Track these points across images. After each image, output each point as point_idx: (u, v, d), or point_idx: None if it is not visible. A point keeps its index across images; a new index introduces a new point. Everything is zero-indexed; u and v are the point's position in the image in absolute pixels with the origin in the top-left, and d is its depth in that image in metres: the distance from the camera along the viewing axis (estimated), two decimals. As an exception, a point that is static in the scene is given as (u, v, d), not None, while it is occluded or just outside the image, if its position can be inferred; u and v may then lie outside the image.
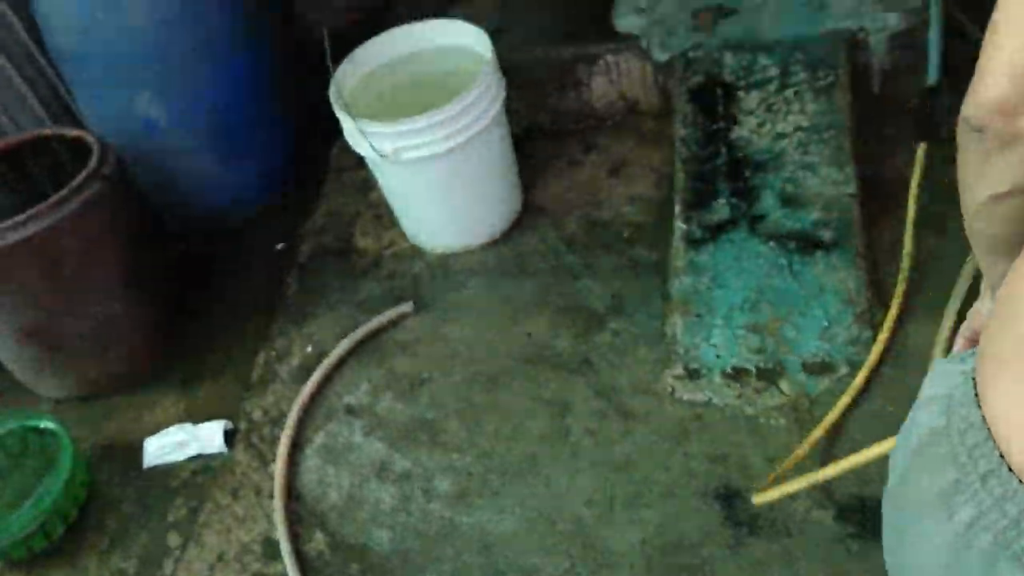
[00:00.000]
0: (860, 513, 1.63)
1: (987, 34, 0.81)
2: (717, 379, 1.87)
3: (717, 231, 2.04)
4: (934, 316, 1.84)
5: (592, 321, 2.08)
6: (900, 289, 1.90)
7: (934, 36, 2.14)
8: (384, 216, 2.42)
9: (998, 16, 0.80)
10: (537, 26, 2.54)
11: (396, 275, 2.31)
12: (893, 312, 1.86)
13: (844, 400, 1.75)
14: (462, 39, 2.20)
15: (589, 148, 2.45)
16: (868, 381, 1.79)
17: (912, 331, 1.86)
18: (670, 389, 1.90)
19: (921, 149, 2.08)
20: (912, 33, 2.19)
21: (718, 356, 1.89)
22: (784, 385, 1.84)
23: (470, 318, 2.16)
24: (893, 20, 2.19)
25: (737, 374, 1.87)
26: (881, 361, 1.82)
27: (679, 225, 2.07)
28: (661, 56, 2.34)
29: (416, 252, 2.34)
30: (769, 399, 1.83)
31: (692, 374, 1.89)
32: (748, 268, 1.97)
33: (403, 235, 2.38)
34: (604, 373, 1.97)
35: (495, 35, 2.17)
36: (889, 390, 1.78)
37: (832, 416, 1.74)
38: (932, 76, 2.18)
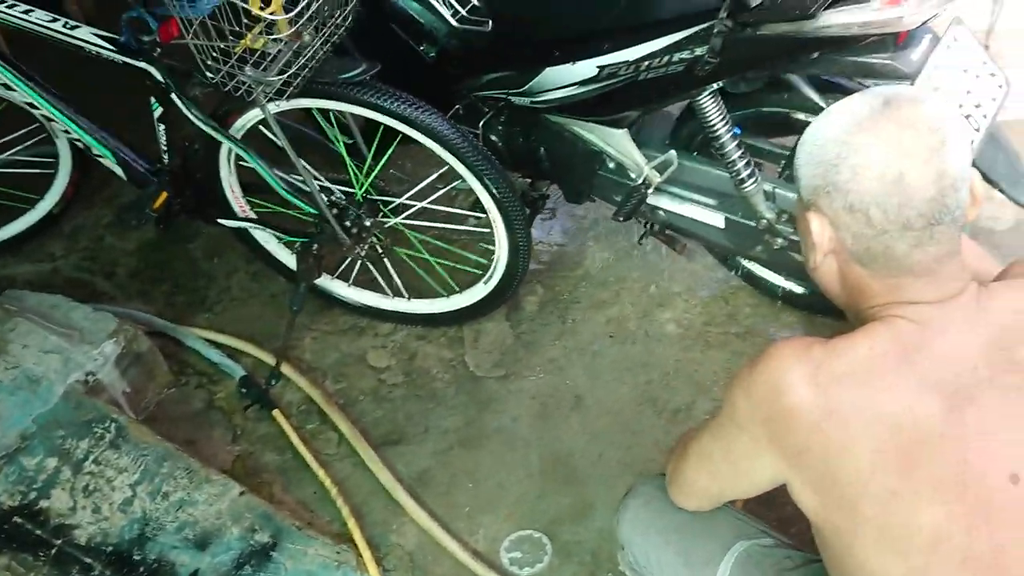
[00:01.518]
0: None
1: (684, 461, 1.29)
2: None
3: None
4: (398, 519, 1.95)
5: None
6: (351, 523, 1.93)
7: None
8: None
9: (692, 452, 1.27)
10: None
11: None
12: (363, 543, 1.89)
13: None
14: None
15: None
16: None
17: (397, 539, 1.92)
18: None
19: (277, 413, 2.14)
20: (131, 346, 2.13)
21: None
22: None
23: None
24: (109, 348, 2.09)
25: None
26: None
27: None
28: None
29: None
30: None
31: None
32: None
33: None
34: None
35: None
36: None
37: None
38: (236, 374, 2.24)
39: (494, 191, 1.96)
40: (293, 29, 1.67)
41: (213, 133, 1.97)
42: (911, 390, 1.02)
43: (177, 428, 2.15)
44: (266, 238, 2.31)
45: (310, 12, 1.63)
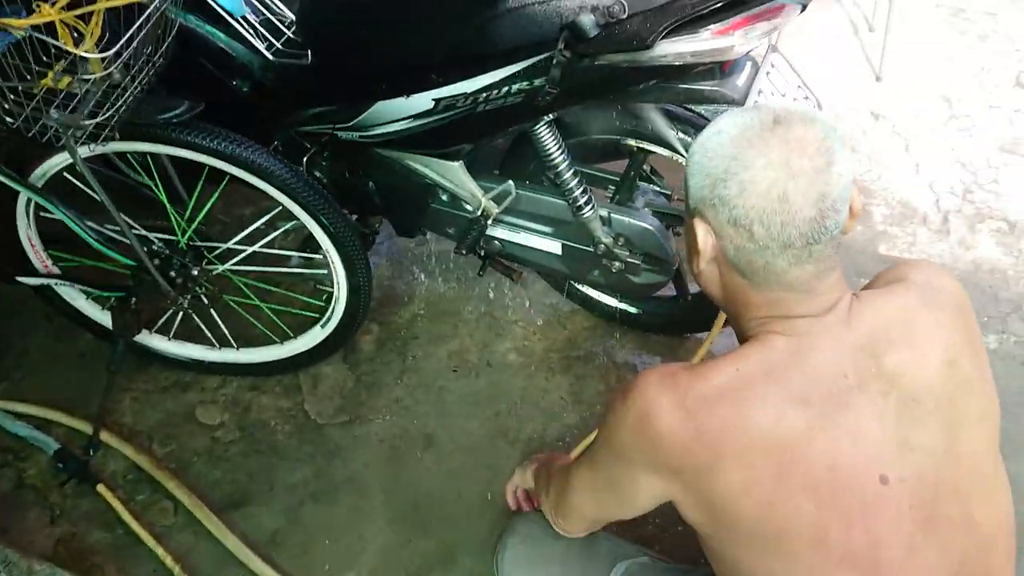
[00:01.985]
0: None
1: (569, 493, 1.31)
2: None
3: None
4: None
5: None
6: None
7: None
8: None
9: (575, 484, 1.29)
10: None
11: None
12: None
13: None
14: None
15: None
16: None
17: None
18: None
19: (102, 487, 1.91)
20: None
21: None
22: None
23: None
24: None
25: None
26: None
27: None
28: None
29: None
30: None
31: None
32: None
33: None
34: None
35: None
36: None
37: None
38: (49, 448, 2.01)
39: (332, 230, 1.88)
40: (107, 70, 1.53)
41: (10, 183, 1.77)
42: (780, 404, 1.05)
43: None
44: (73, 295, 2.11)
45: (129, 49, 1.49)
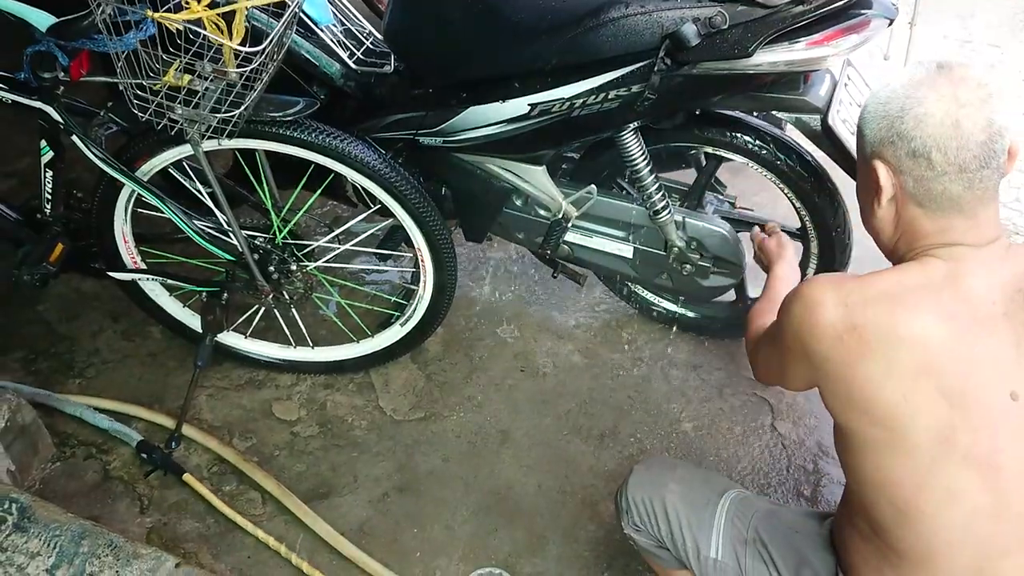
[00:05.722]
0: None
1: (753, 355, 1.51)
2: None
3: None
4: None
5: None
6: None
7: None
8: None
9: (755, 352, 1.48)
10: None
11: None
12: None
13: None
14: None
15: None
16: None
17: None
18: None
19: (189, 477, 1.92)
20: (15, 418, 1.90)
21: None
22: None
23: None
24: (-7, 421, 1.86)
25: None
26: None
27: None
28: None
29: None
30: None
31: None
32: None
33: None
34: None
35: None
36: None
37: None
38: (133, 440, 1.98)
39: (429, 229, 1.95)
40: (243, 67, 1.60)
41: (120, 177, 1.83)
42: (930, 315, 1.17)
43: (74, 504, 1.93)
44: (157, 291, 2.15)
45: (271, 47, 1.56)
